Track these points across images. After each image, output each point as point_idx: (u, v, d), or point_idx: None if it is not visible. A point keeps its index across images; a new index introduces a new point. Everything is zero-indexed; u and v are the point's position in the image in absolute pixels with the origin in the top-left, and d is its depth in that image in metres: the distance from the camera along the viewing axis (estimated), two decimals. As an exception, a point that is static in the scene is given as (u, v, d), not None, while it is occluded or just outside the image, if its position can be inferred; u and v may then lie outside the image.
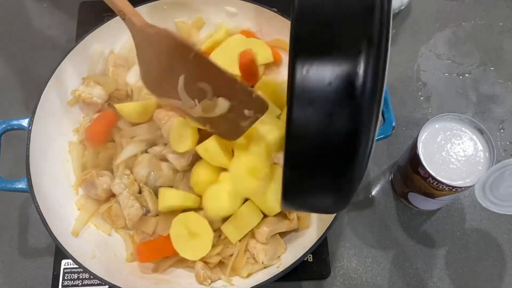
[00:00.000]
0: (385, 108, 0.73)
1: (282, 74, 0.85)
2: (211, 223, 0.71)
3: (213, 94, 0.66)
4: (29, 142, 0.72)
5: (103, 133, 0.77)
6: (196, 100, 0.66)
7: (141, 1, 0.82)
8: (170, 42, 0.63)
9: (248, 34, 0.84)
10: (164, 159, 0.74)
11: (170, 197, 0.71)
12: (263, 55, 0.81)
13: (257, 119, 0.68)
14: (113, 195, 0.76)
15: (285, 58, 0.85)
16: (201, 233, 0.70)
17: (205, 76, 0.65)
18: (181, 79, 0.64)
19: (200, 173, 0.71)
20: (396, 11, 0.97)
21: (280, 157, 0.73)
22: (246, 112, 0.67)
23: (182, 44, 0.63)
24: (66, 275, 0.77)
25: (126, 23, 0.66)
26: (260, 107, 0.67)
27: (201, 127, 0.69)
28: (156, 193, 0.74)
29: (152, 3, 0.82)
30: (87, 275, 0.77)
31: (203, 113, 0.66)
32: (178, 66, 0.64)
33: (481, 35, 0.97)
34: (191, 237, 0.69)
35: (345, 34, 0.37)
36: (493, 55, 0.95)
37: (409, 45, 0.96)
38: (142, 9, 0.82)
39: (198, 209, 0.72)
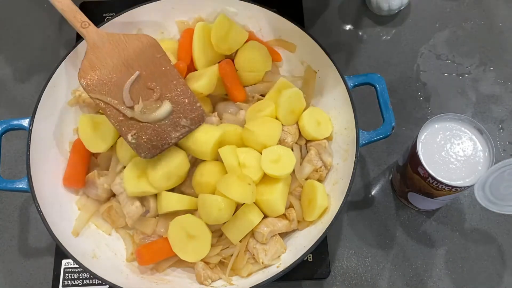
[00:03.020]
0: (384, 108, 0.73)
1: (281, 75, 0.85)
2: (210, 224, 0.71)
3: (159, 97, 0.70)
4: (29, 142, 0.72)
5: (80, 176, 0.76)
6: (141, 99, 0.69)
7: (142, 1, 0.82)
8: (145, 42, 0.71)
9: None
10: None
11: (170, 202, 0.72)
12: (263, 64, 0.81)
13: (190, 131, 0.71)
14: (113, 195, 0.76)
15: (284, 57, 0.85)
16: (199, 235, 0.70)
17: (161, 78, 0.70)
18: (135, 75, 0.69)
19: (204, 173, 0.71)
20: (396, 11, 0.97)
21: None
22: (183, 121, 0.70)
23: (156, 45, 0.71)
24: (67, 274, 0.77)
25: (88, 30, 0.72)
26: (198, 118, 0.72)
27: (122, 135, 0.69)
28: (156, 193, 0.74)
29: (153, 3, 0.82)
30: (87, 275, 0.77)
31: (140, 114, 0.68)
32: (137, 64, 0.70)
33: (481, 35, 0.97)
34: (189, 240, 0.70)
35: None
36: (493, 55, 0.95)
37: (409, 45, 0.96)
38: (142, 9, 0.82)
39: (197, 209, 0.72)
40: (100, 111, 0.79)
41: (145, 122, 0.69)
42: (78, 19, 0.73)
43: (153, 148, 0.69)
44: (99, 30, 0.72)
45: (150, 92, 0.69)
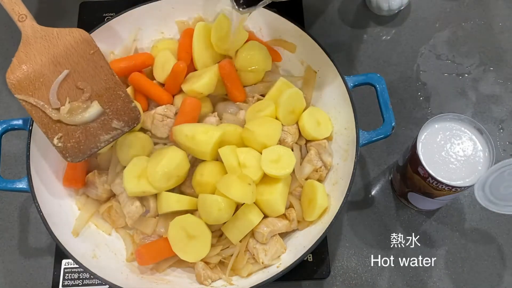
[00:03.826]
0: (384, 108, 0.73)
1: (281, 75, 0.85)
2: (210, 224, 0.71)
3: (90, 97, 0.66)
4: (29, 142, 0.72)
5: (80, 176, 0.76)
6: (68, 99, 0.65)
7: (142, 1, 0.82)
8: (77, 37, 0.66)
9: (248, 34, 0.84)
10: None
11: (170, 202, 0.72)
12: (263, 64, 0.81)
13: (122, 133, 0.69)
14: (113, 195, 0.76)
15: (284, 57, 0.85)
16: (199, 235, 0.70)
17: (92, 76, 0.66)
18: (63, 74, 0.65)
19: (204, 173, 0.71)
20: (396, 11, 0.97)
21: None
22: (114, 123, 0.67)
23: (89, 40, 0.67)
24: (67, 275, 0.77)
25: (24, 24, 0.67)
26: (132, 120, 0.68)
27: (49, 139, 0.66)
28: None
29: (153, 3, 0.82)
30: (87, 275, 0.77)
31: (67, 116, 0.65)
32: (67, 62, 0.66)
33: (481, 35, 0.97)
34: (189, 240, 0.69)
35: None
36: (493, 55, 0.95)
37: (409, 45, 0.96)
38: (142, 9, 0.82)
39: (197, 209, 0.72)
40: None
41: (72, 125, 0.65)
42: (16, 11, 0.67)
43: (81, 152, 0.67)
44: (36, 24, 0.67)
45: (80, 92, 0.66)
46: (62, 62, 0.65)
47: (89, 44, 0.67)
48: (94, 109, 0.66)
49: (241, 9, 0.66)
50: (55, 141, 0.65)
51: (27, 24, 0.67)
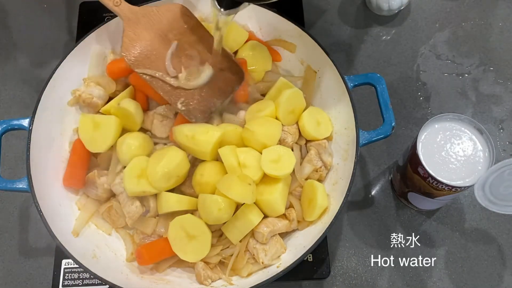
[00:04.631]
0: (384, 108, 0.73)
1: (281, 75, 0.85)
2: (210, 224, 0.71)
3: (200, 62, 0.73)
4: (30, 142, 0.72)
5: (80, 176, 0.76)
6: (182, 67, 0.72)
7: (142, 1, 0.82)
8: (176, 11, 0.73)
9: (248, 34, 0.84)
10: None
11: (170, 202, 0.72)
12: (263, 64, 0.81)
13: (233, 90, 0.75)
14: (113, 195, 0.76)
15: (284, 57, 0.85)
16: (199, 235, 0.70)
17: (197, 43, 0.73)
18: (173, 45, 0.72)
19: (204, 173, 0.71)
20: (396, 11, 0.97)
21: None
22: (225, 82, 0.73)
23: (187, 12, 0.73)
24: (67, 274, 0.77)
25: (121, 7, 0.73)
26: (239, 78, 0.75)
27: (172, 104, 0.72)
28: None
29: (153, 3, 0.82)
30: (87, 275, 0.77)
31: (186, 81, 0.71)
32: (173, 34, 0.73)
33: (481, 35, 0.97)
34: (189, 240, 0.69)
35: None
36: (493, 55, 0.95)
37: (409, 45, 0.96)
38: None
39: (197, 209, 0.72)
40: (100, 110, 0.79)
41: (190, 89, 0.72)
42: None
43: (202, 112, 0.73)
44: (131, 6, 0.74)
45: (190, 59, 0.72)
46: (168, 35, 0.72)
47: (188, 16, 0.74)
48: (207, 72, 0.72)
49: (222, 10, 0.66)
50: (179, 105, 0.72)
51: (124, 7, 0.73)
